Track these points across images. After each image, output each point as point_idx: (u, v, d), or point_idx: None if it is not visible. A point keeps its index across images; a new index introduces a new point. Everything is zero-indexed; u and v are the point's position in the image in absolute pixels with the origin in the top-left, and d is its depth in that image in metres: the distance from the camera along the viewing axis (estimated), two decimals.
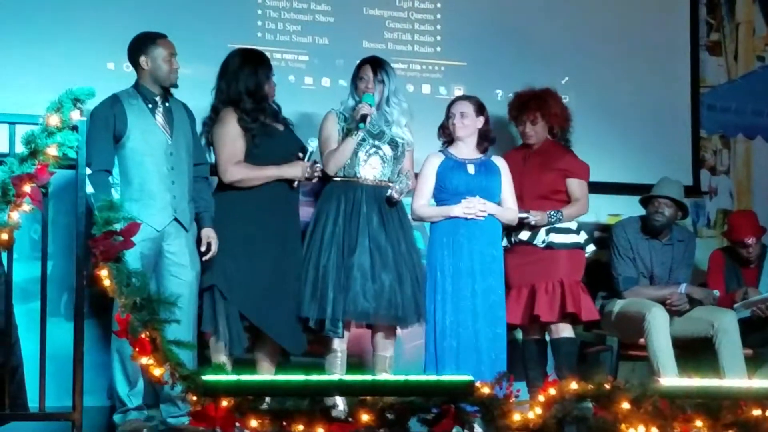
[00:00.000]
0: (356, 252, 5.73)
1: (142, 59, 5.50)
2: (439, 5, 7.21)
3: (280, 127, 5.84)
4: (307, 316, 5.69)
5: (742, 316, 6.61)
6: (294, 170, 5.72)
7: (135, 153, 5.42)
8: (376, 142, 5.89)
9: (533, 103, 6.50)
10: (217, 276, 5.60)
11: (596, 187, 7.17)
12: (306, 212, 6.04)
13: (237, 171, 5.67)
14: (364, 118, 5.78)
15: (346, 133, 5.85)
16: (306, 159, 5.76)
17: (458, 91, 6.95)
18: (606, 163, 7.30)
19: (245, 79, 5.71)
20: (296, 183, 5.79)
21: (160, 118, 5.52)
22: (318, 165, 5.78)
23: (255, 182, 5.67)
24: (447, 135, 6.15)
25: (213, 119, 5.74)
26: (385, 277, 5.73)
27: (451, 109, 6.13)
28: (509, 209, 6.12)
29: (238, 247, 5.61)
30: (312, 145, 5.78)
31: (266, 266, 5.64)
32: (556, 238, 6.26)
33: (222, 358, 5.56)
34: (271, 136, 5.74)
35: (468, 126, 6.09)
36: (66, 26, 6.43)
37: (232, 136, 5.67)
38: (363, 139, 5.85)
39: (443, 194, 6.06)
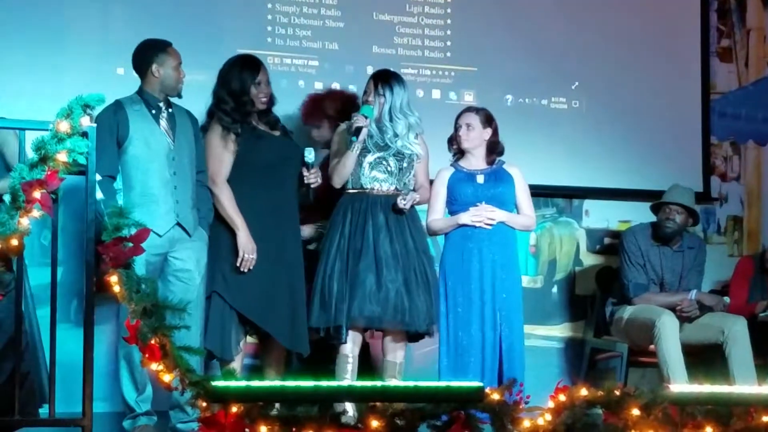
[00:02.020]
0: (362, 260, 5.73)
1: (154, 67, 5.49)
2: (449, 11, 7.21)
3: (276, 133, 5.80)
4: (317, 326, 5.71)
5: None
6: (243, 239, 5.60)
7: (138, 159, 5.43)
8: (381, 154, 5.88)
9: None
10: (217, 282, 5.60)
11: (607, 194, 7.20)
12: None
13: (222, 190, 5.63)
14: (358, 130, 5.78)
15: (346, 145, 5.86)
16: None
17: (468, 96, 6.95)
18: (616, 169, 7.31)
19: (231, 81, 5.68)
20: (304, 189, 5.79)
21: (164, 123, 5.52)
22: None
23: (221, 212, 5.63)
24: (455, 146, 6.13)
25: (208, 123, 5.74)
26: (391, 284, 5.72)
27: (458, 121, 6.10)
28: (523, 215, 6.11)
29: (235, 251, 5.60)
30: (309, 156, 5.75)
31: (265, 269, 5.62)
32: None
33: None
34: (262, 139, 5.70)
35: (474, 138, 6.05)
36: (75, 32, 6.45)
37: (219, 143, 5.64)
38: (369, 151, 5.85)
39: (455, 206, 6.04)
